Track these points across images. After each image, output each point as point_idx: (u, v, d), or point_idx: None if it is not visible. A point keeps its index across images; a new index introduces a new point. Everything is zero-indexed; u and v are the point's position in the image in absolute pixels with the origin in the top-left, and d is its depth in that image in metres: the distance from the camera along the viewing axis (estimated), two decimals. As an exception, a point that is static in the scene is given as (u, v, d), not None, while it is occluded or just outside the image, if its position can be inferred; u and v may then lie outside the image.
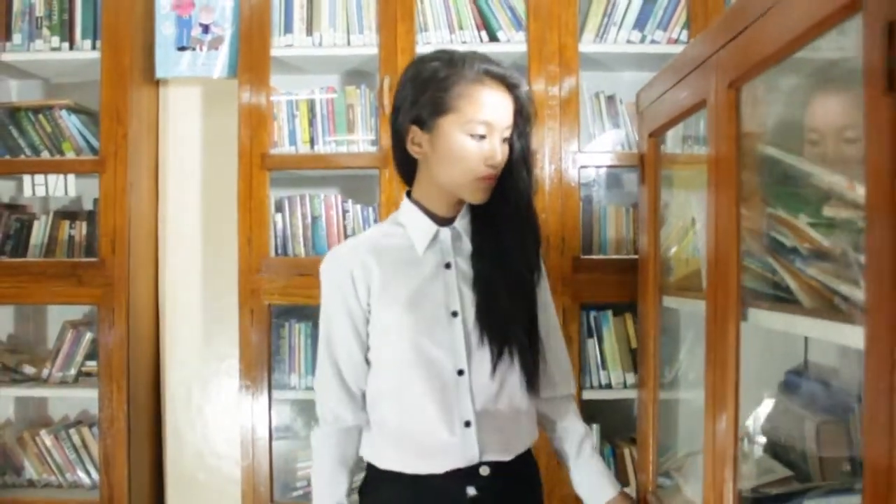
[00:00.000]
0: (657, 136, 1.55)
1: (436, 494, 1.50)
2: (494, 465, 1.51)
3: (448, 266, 1.55)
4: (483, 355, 1.51)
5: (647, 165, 1.62)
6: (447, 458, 1.49)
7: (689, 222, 1.71)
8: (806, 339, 1.47)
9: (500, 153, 1.48)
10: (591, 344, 2.58)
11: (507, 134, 1.49)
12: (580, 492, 1.65)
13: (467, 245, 1.56)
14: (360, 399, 1.58)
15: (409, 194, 1.61)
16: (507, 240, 1.52)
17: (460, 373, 1.50)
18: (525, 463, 1.60)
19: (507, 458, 1.53)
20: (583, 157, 2.53)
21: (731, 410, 1.15)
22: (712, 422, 1.22)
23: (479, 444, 1.50)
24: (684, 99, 1.32)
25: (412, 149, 1.52)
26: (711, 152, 1.17)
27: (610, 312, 2.58)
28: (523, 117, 1.51)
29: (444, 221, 1.57)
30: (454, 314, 1.52)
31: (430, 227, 1.55)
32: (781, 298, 1.08)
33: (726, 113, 1.10)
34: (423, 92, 1.48)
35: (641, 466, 1.81)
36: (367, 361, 1.57)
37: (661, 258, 1.67)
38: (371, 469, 1.59)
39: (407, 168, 1.60)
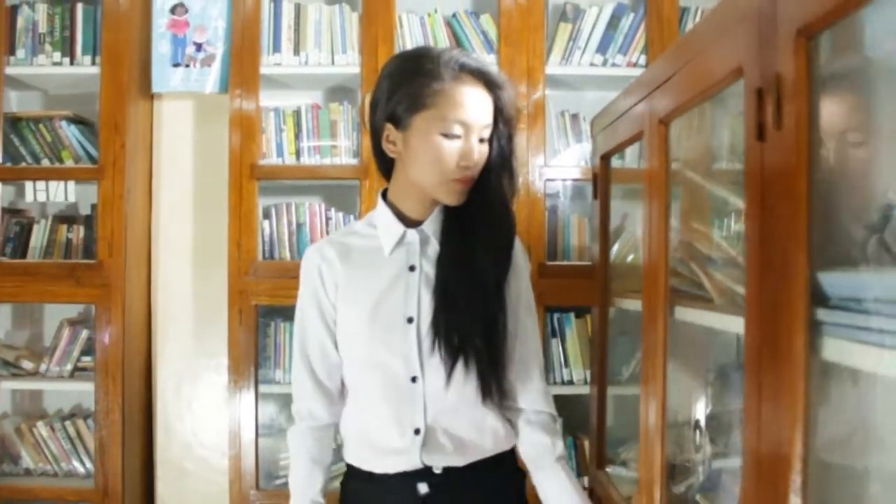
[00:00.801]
0: (607, 158, 1.76)
1: (389, 490, 1.50)
2: (446, 468, 1.50)
3: (412, 269, 1.50)
4: (437, 363, 1.47)
5: (599, 183, 1.83)
6: (395, 462, 1.49)
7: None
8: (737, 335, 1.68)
9: (477, 153, 1.42)
10: (555, 343, 2.80)
11: (485, 134, 1.43)
12: None
13: (435, 248, 1.51)
14: (335, 394, 1.58)
15: (384, 194, 1.57)
16: (476, 245, 1.46)
17: (413, 380, 1.47)
18: (493, 466, 1.53)
19: (459, 463, 1.50)
20: (548, 171, 2.75)
21: (660, 394, 1.36)
22: (646, 404, 1.44)
23: (424, 452, 1.48)
24: (628, 129, 1.54)
25: (387, 147, 1.47)
26: (646, 176, 1.38)
27: (572, 314, 2.80)
28: (504, 117, 1.45)
29: (414, 223, 1.52)
30: (409, 320, 1.48)
31: (398, 228, 1.51)
32: (699, 297, 1.29)
33: (658, 143, 1.32)
34: (398, 88, 1.43)
35: (591, 455, 2.02)
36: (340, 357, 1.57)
37: (611, 265, 1.89)
38: (347, 463, 1.60)
39: (385, 167, 1.56)
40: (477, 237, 1.46)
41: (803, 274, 0.80)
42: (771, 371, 0.88)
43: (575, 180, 2.84)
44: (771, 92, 0.83)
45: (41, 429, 2.99)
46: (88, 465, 2.96)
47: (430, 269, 1.49)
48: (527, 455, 1.56)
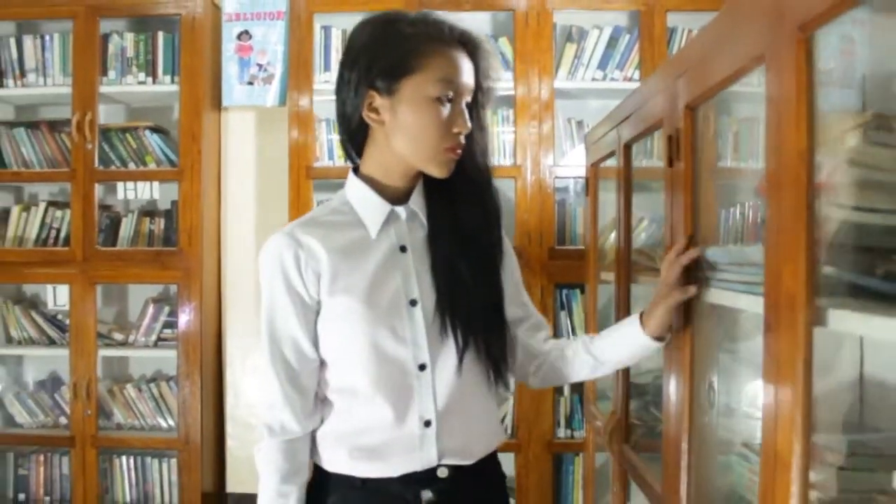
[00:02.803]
0: (596, 165, 2.27)
1: (388, 499, 1.38)
2: (454, 468, 1.39)
3: (403, 249, 1.40)
4: (447, 347, 1.38)
5: (590, 185, 2.34)
6: (402, 461, 1.37)
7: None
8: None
9: (467, 119, 1.35)
10: (564, 315, 3.31)
11: (468, 100, 1.36)
12: (617, 350, 1.45)
13: (422, 226, 1.42)
14: (311, 402, 1.41)
15: (355, 171, 1.44)
16: (469, 219, 1.39)
17: (422, 367, 1.37)
18: (489, 465, 1.48)
19: (468, 461, 1.41)
20: (557, 170, 3.26)
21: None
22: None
23: (438, 445, 1.37)
24: (606, 147, 2.04)
25: (368, 116, 1.34)
26: (620, 188, 1.88)
27: (578, 290, 3.31)
28: (485, 86, 1.39)
29: (396, 200, 1.41)
30: (413, 303, 1.37)
31: (384, 206, 1.39)
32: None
33: (625, 162, 1.83)
34: (382, 51, 1.32)
35: (590, 405, 2.52)
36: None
37: (602, 248, 2.39)
38: (318, 471, 1.45)
39: (356, 140, 1.42)
40: (467, 212, 1.40)
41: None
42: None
43: (579, 177, 3.34)
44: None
45: (130, 390, 3.55)
46: (170, 420, 3.52)
47: (420, 248, 1.41)
48: (575, 363, 1.48)
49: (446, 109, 1.33)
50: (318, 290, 1.37)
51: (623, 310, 1.85)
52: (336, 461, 1.42)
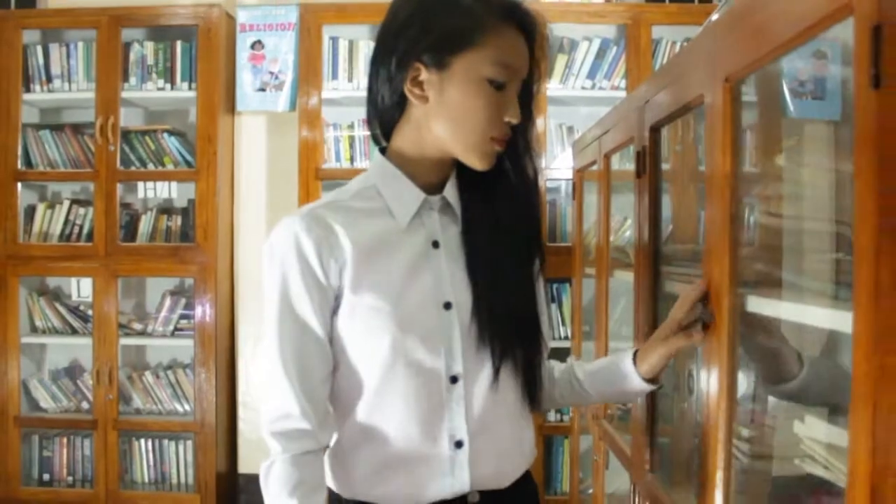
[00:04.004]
0: (582, 171, 2.51)
1: None
2: (486, 493, 1.24)
3: (436, 245, 1.24)
4: (483, 357, 1.22)
5: (577, 189, 2.58)
6: (430, 487, 1.21)
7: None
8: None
9: (518, 109, 1.19)
10: (554, 307, 3.56)
11: (518, 89, 1.20)
12: (608, 388, 1.35)
13: (455, 221, 1.26)
14: (326, 410, 1.23)
15: (383, 151, 1.27)
16: (509, 219, 1.24)
17: (453, 380, 1.20)
18: (523, 486, 1.31)
19: (502, 485, 1.26)
20: (549, 172, 3.50)
21: (603, 331, 2.12)
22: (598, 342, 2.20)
23: (471, 470, 1.21)
24: (590, 155, 2.28)
25: (411, 91, 1.18)
26: (600, 192, 2.12)
27: (567, 284, 3.55)
28: (537, 74, 1.23)
29: (428, 191, 1.25)
30: (447, 306, 1.21)
31: (417, 195, 1.23)
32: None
33: (605, 170, 2.07)
34: (436, 20, 1.16)
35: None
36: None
37: (584, 245, 2.64)
38: (334, 498, 1.28)
39: (387, 119, 1.25)
40: (511, 211, 1.25)
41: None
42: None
43: (570, 179, 3.57)
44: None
45: (148, 377, 3.79)
46: (186, 405, 3.76)
47: (453, 244, 1.25)
48: (560, 384, 1.38)
49: (499, 94, 1.16)
50: (339, 283, 1.19)
51: (603, 300, 2.10)
52: (354, 484, 1.24)
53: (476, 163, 1.20)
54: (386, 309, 1.18)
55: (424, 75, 1.17)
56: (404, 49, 1.17)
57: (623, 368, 1.29)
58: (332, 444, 1.27)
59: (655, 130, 1.52)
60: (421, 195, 1.23)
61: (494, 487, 1.24)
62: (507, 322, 1.22)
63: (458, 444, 1.20)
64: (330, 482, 1.27)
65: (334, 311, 1.21)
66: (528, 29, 1.19)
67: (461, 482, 1.21)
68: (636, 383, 1.28)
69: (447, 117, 1.17)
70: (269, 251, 1.22)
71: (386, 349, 1.18)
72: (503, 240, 1.24)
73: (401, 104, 1.21)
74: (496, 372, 1.22)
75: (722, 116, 1.08)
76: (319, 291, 1.19)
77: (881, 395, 0.72)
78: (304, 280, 1.18)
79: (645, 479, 1.60)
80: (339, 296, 1.20)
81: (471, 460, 1.20)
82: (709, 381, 1.15)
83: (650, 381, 1.27)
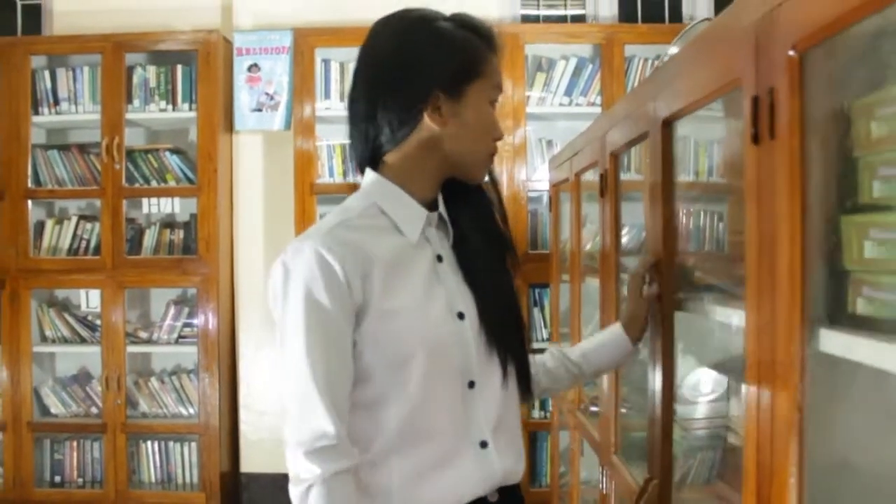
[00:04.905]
0: (557, 186, 2.74)
1: None
2: (502, 490, 1.32)
3: (440, 259, 1.32)
4: (493, 362, 1.30)
5: (553, 203, 2.82)
6: (467, 486, 1.27)
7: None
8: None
9: None
10: (536, 311, 3.79)
11: None
12: (604, 354, 1.53)
13: (447, 234, 1.36)
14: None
15: (374, 170, 1.33)
16: (490, 226, 1.36)
17: (471, 385, 1.28)
18: (520, 485, 1.38)
19: (519, 478, 1.34)
20: (530, 184, 3.74)
21: (577, 334, 2.35)
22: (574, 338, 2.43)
23: (499, 467, 1.29)
24: (564, 173, 2.51)
25: (431, 118, 1.26)
26: (572, 205, 2.36)
27: (548, 289, 3.78)
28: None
29: (425, 206, 1.32)
30: (461, 315, 1.29)
31: (421, 211, 1.30)
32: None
33: (576, 188, 2.31)
34: (447, 52, 1.27)
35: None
36: None
37: (561, 253, 2.87)
38: None
39: (387, 142, 1.30)
40: (491, 223, 1.38)
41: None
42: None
43: (548, 190, 3.82)
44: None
45: (154, 382, 4.00)
46: (190, 409, 3.97)
47: (450, 257, 1.34)
48: (549, 375, 1.51)
49: (493, 113, 1.32)
50: (362, 298, 1.22)
51: (576, 304, 2.33)
52: (391, 495, 1.25)
53: (479, 175, 1.34)
54: (415, 320, 1.24)
55: (443, 103, 1.26)
56: (424, 81, 1.26)
57: (620, 341, 1.49)
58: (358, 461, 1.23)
59: (615, 156, 1.76)
60: (424, 212, 1.31)
61: (514, 482, 1.33)
62: (508, 326, 1.33)
63: (484, 445, 1.28)
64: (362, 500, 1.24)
65: (356, 326, 1.23)
66: (499, 52, 1.34)
67: (492, 478, 1.28)
68: (629, 349, 1.50)
69: (464, 138, 1.28)
70: (284, 274, 1.21)
71: (419, 358, 1.22)
72: (490, 248, 1.34)
73: (413, 128, 1.27)
74: (504, 373, 1.31)
75: (661, 148, 1.32)
76: (346, 305, 1.20)
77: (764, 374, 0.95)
78: (331, 293, 1.19)
79: (611, 460, 1.83)
80: (361, 311, 1.22)
81: (496, 458, 1.28)
82: (654, 368, 1.38)
83: (636, 341, 1.49)
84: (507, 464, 1.30)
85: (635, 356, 1.54)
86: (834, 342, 0.84)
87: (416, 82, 1.26)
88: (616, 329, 1.51)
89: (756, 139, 0.93)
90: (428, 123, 1.26)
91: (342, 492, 1.17)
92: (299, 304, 1.19)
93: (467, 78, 1.27)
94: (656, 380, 1.38)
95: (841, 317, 0.88)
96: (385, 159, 1.31)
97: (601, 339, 1.54)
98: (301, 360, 1.18)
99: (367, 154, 1.32)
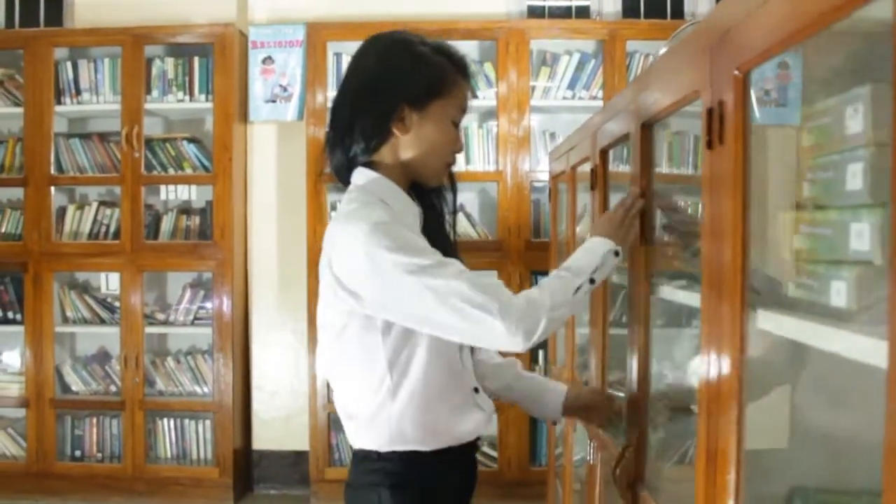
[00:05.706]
0: (556, 178, 2.88)
1: (454, 466, 1.51)
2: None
3: None
4: None
5: (552, 194, 2.96)
6: (474, 425, 1.51)
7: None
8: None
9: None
10: (538, 297, 3.93)
11: None
12: (529, 399, 1.79)
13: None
14: None
15: (371, 167, 1.48)
16: (441, 227, 1.56)
17: (461, 347, 1.49)
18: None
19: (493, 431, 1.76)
20: (533, 175, 3.87)
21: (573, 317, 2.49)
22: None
23: (488, 408, 1.55)
24: (561, 167, 2.65)
25: (396, 126, 1.43)
26: (569, 196, 2.50)
27: (550, 276, 3.93)
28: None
29: None
30: None
31: (414, 206, 1.50)
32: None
33: (572, 180, 2.45)
34: (418, 71, 1.44)
35: (552, 368, 3.13)
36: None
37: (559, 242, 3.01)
38: (401, 459, 1.45)
39: (369, 145, 1.45)
40: (445, 222, 1.58)
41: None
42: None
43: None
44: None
45: (170, 362, 4.17)
46: (204, 388, 4.14)
47: None
48: (496, 370, 1.75)
49: (455, 131, 1.49)
50: None
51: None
52: (438, 432, 1.46)
53: (434, 181, 1.52)
54: None
55: (408, 115, 1.44)
56: (392, 93, 1.44)
57: (548, 401, 1.76)
58: (402, 405, 1.43)
59: (604, 153, 1.89)
60: (416, 206, 1.50)
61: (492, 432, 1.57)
62: None
63: (476, 390, 1.53)
64: (409, 444, 1.44)
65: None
66: (470, 80, 1.53)
67: (491, 419, 1.55)
68: (549, 415, 1.77)
69: (420, 147, 1.45)
70: (364, 242, 1.33)
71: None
72: (436, 244, 1.42)
73: (385, 135, 1.45)
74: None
75: (640, 148, 1.46)
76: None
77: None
78: (405, 229, 1.37)
79: (598, 434, 1.97)
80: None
81: (485, 402, 1.54)
82: (633, 347, 1.53)
83: (555, 421, 1.78)
84: (489, 409, 1.54)
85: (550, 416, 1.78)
86: (769, 321, 0.98)
87: (389, 94, 1.43)
88: (558, 396, 1.75)
89: (710, 145, 1.07)
90: (394, 132, 1.44)
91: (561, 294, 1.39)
92: (404, 253, 1.33)
93: (431, 95, 1.44)
94: (633, 357, 1.53)
95: (780, 299, 1.02)
96: (373, 159, 1.47)
97: (541, 389, 1.78)
98: (437, 286, 1.31)
99: (344, 158, 1.49)
